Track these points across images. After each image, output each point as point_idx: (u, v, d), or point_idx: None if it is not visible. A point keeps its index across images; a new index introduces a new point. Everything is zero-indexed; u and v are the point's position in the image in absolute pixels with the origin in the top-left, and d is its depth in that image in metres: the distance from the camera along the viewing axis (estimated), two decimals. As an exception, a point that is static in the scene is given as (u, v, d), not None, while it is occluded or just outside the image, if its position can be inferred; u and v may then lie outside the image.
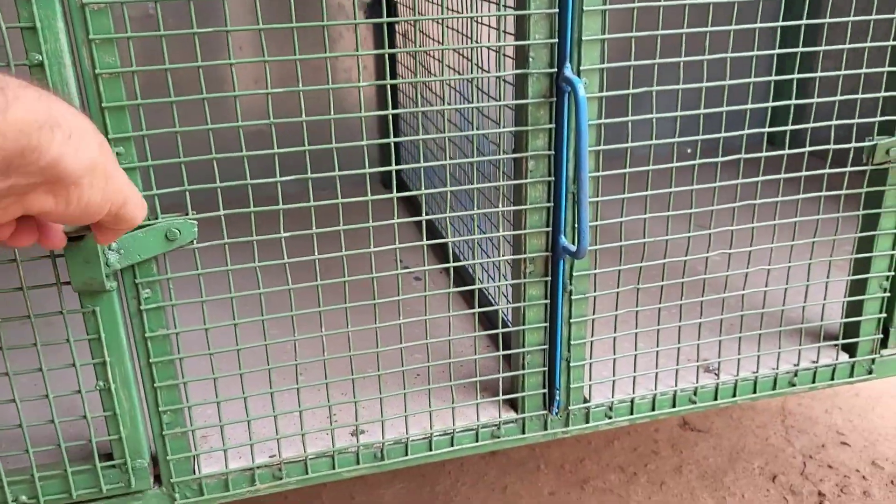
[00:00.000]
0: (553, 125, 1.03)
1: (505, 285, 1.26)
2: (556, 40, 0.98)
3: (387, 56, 0.99)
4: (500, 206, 1.09)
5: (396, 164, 1.02)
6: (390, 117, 0.99)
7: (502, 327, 1.20)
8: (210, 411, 1.11)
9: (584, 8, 0.97)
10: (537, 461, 1.92)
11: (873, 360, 1.32)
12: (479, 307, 1.14)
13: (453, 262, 1.09)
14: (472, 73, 1.05)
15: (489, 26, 1.13)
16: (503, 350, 1.20)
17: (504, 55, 1.02)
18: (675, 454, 1.93)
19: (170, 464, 1.06)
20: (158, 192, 0.93)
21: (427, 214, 1.26)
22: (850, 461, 1.89)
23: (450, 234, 1.14)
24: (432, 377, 1.16)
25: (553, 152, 1.04)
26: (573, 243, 1.08)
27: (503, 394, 1.18)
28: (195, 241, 0.95)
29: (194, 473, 1.08)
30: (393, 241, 1.04)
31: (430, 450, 1.16)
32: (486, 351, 1.34)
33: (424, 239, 1.11)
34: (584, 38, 0.99)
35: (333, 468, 1.13)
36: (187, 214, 0.95)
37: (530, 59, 0.99)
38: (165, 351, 1.00)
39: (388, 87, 1.26)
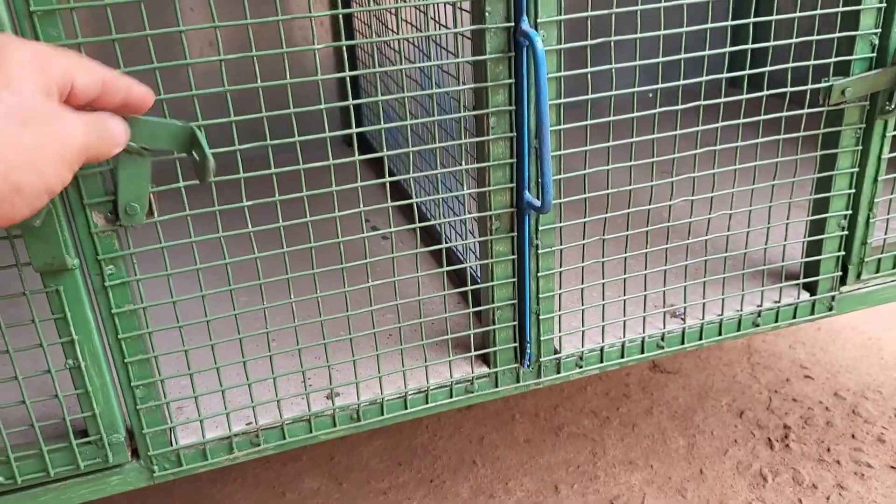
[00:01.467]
0: (513, 80, 1.02)
1: (472, 242, 1.26)
2: (512, -7, 0.97)
3: (341, 17, 0.97)
4: (464, 163, 1.08)
5: (357, 124, 1.01)
6: (348, 79, 0.97)
7: (471, 284, 1.21)
8: (184, 383, 1.11)
9: (539, -41, 0.96)
10: (512, 411, 1.95)
11: (833, 298, 1.35)
12: (448, 265, 1.14)
13: (419, 221, 1.09)
14: (429, 29, 1.04)
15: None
16: (473, 307, 1.21)
17: (461, 9, 1.01)
18: (645, 396, 1.98)
19: (146, 437, 1.06)
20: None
21: (392, 174, 1.25)
22: (814, 393, 1.96)
23: (414, 193, 1.14)
24: (404, 337, 1.16)
25: (514, 108, 1.04)
26: (537, 198, 1.08)
27: (475, 349, 1.19)
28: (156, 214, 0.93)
29: (171, 445, 1.08)
30: (358, 204, 1.03)
31: (406, 408, 1.18)
32: (456, 308, 1.35)
33: (389, 200, 1.11)
34: (540, -11, 0.98)
35: (310, 432, 1.14)
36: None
37: (486, 14, 0.98)
38: (134, 326, 0.99)
39: (344, 47, 1.24)
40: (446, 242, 1.16)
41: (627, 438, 1.83)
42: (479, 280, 1.28)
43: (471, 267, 1.33)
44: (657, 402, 1.95)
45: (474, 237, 1.29)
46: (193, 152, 0.83)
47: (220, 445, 1.10)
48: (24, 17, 0.81)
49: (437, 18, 1.21)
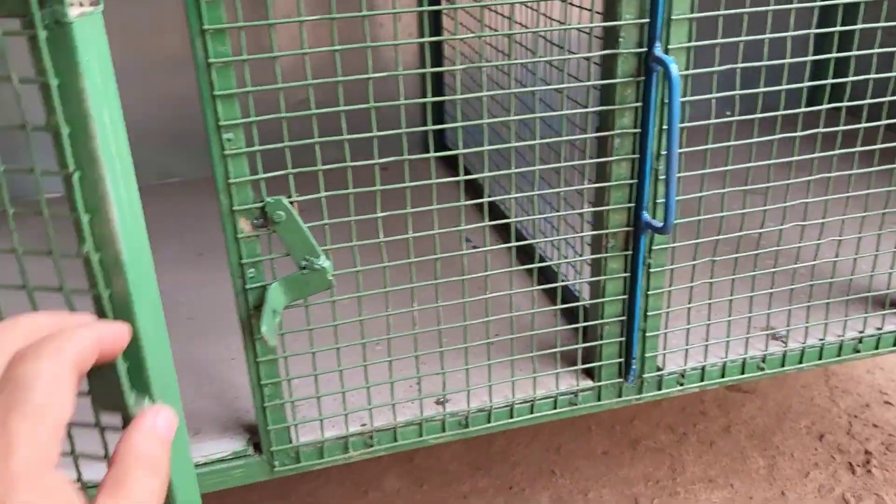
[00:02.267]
0: (640, 104, 1.05)
1: (580, 260, 1.28)
2: (648, 20, 1.00)
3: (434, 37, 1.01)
4: (577, 183, 1.11)
5: (443, 139, 1.04)
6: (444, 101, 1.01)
7: (574, 300, 1.23)
8: (307, 383, 1.16)
9: (675, -12, 0.98)
10: (587, 422, 1.97)
11: (936, 327, 1.35)
12: (545, 281, 1.17)
13: (515, 240, 1.12)
14: (547, 54, 1.07)
15: (572, 4, 1.14)
16: (575, 322, 1.24)
17: (593, 35, 1.04)
18: (722, 415, 1.98)
19: (270, 433, 1.10)
20: (263, 175, 0.96)
21: (493, 193, 1.28)
22: (895, 420, 1.94)
23: (514, 213, 1.17)
24: (509, 349, 1.19)
25: (639, 130, 1.06)
26: (655, 219, 1.10)
27: (579, 363, 1.22)
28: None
29: (291, 442, 1.13)
30: (459, 222, 1.07)
31: (511, 417, 1.21)
32: (552, 323, 1.38)
33: (487, 218, 1.14)
34: (672, 17, 1.00)
35: (421, 436, 1.17)
36: (290, 197, 0.98)
37: (620, 40, 1.01)
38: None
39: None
40: (548, 260, 1.19)
41: (706, 456, 1.84)
42: (578, 296, 1.31)
43: (572, 284, 1.36)
44: (734, 421, 1.95)
45: (577, 253, 1.31)
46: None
47: (337, 444, 1.15)
48: (198, 35, 0.86)
49: (551, 39, 1.24)
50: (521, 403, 1.20)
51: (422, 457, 1.88)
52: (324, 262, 0.99)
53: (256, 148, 0.94)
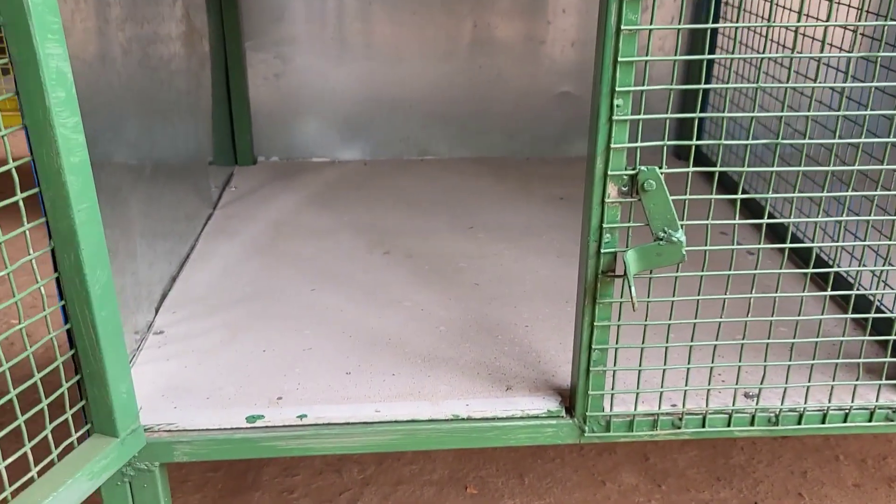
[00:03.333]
0: None
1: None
2: None
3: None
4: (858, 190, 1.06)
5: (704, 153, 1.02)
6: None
7: (876, 312, 1.18)
8: (623, 357, 1.18)
9: None
10: (834, 451, 1.88)
11: None
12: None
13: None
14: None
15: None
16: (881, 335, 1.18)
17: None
18: None
19: (588, 398, 1.13)
20: (641, 144, 0.99)
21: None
22: None
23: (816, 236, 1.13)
24: (821, 356, 1.16)
25: None
26: None
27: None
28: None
29: (604, 411, 1.15)
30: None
31: (823, 422, 1.17)
32: (852, 334, 1.33)
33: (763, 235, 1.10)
34: None
35: (728, 426, 1.16)
36: (661, 167, 1.00)
37: None
38: (609, 294, 1.07)
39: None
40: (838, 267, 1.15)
41: (974, 507, 1.70)
42: (886, 310, 1.25)
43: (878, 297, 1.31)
44: None
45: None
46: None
47: (646, 421, 1.16)
48: (612, 35, 0.91)
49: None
50: (835, 410, 1.17)
51: (656, 456, 1.86)
52: (681, 235, 1.00)
53: (641, 116, 0.97)
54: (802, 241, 1.65)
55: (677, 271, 1.06)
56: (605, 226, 1.02)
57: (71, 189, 0.91)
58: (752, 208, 1.85)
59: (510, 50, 2.22)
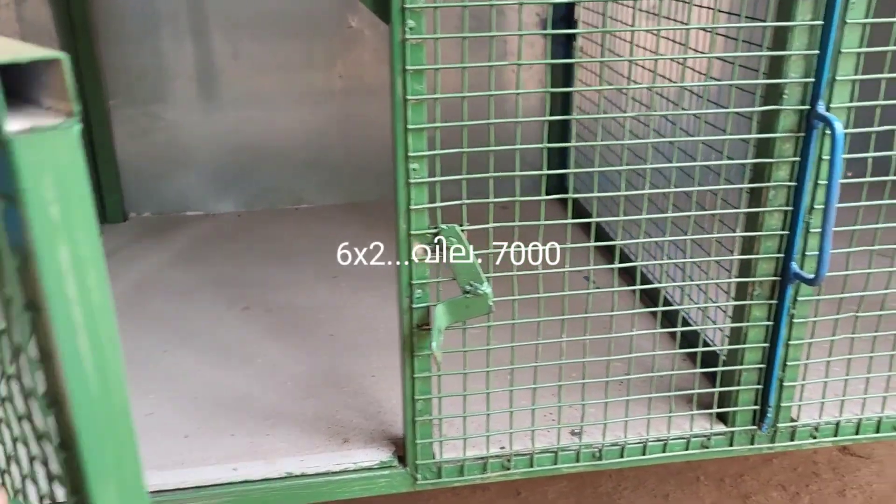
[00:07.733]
0: (798, 158, 1.08)
1: (721, 306, 1.31)
2: (813, 80, 1.04)
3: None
4: (714, 232, 1.15)
5: (563, 183, 1.10)
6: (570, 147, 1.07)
7: (703, 346, 1.27)
8: (451, 404, 1.22)
9: (841, 50, 1.03)
10: (695, 472, 1.96)
11: None
12: (672, 325, 1.21)
13: (640, 281, 1.16)
14: (692, 106, 1.12)
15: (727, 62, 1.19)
16: (707, 367, 1.27)
17: (754, 92, 1.08)
18: (836, 478, 1.94)
19: (417, 447, 1.17)
20: (440, 204, 1.04)
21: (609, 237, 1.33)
22: None
23: (640, 257, 1.21)
24: (638, 389, 1.23)
25: (795, 183, 1.10)
26: (803, 270, 1.13)
27: (711, 407, 1.24)
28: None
29: (434, 458, 1.19)
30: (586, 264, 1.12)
31: (644, 454, 1.24)
32: (684, 366, 1.40)
33: (616, 261, 1.18)
34: (837, 78, 1.04)
35: (555, 463, 1.22)
36: (462, 225, 1.05)
37: (783, 97, 1.05)
38: (425, 346, 1.11)
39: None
40: (674, 304, 1.23)
41: (820, 518, 1.81)
42: (710, 343, 1.33)
43: (702, 329, 1.39)
44: (849, 486, 1.91)
45: (709, 299, 1.34)
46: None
47: (476, 465, 1.20)
48: (399, 74, 0.96)
49: (698, 93, 1.29)
50: (654, 441, 1.23)
51: (527, 490, 1.91)
52: (486, 288, 1.06)
53: (438, 178, 1.03)
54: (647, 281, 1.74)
55: (489, 321, 1.11)
56: (414, 282, 1.07)
57: None
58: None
59: (376, 96, 2.28)
